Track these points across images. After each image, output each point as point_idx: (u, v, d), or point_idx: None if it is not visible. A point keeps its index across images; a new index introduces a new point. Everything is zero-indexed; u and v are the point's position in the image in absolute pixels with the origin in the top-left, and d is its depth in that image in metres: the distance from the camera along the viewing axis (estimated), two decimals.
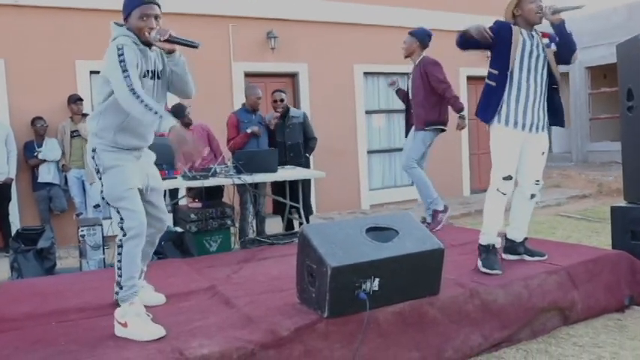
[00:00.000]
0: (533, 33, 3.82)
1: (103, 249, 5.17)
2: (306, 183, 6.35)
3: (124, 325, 2.80)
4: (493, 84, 3.80)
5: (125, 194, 2.89)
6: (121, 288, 2.87)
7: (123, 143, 2.96)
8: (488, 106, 3.82)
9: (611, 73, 13.47)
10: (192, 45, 2.93)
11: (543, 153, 3.94)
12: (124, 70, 2.71)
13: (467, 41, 3.77)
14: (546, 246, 4.25)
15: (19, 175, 7.20)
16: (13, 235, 5.63)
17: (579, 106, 14.92)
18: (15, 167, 7.03)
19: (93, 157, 2.95)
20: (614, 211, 4.44)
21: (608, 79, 14.42)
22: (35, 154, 7.16)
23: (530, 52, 3.74)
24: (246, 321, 2.92)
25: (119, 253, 2.88)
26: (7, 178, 6.92)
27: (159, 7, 2.98)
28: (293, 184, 6.08)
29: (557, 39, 3.82)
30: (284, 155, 6.33)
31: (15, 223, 7.05)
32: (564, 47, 3.81)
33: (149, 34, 2.91)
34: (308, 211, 6.45)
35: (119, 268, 2.88)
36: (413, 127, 5.62)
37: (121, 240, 2.88)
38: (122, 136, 2.94)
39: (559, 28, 3.77)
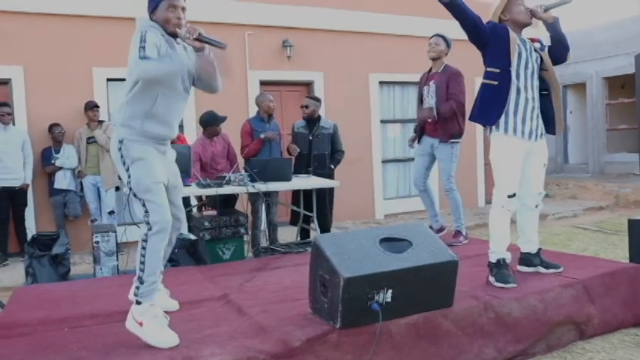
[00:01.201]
0: (524, 38, 3.77)
1: (117, 255, 5.19)
2: (329, 195, 6.28)
3: (140, 324, 2.79)
4: (495, 83, 3.68)
5: (153, 187, 2.88)
6: (142, 283, 2.85)
7: (151, 132, 2.96)
8: (491, 106, 3.70)
9: (629, 84, 13.36)
10: (219, 45, 2.96)
11: (545, 165, 3.89)
12: (142, 46, 2.77)
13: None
14: (562, 258, 4.19)
15: (36, 181, 7.26)
16: (28, 240, 5.67)
17: (596, 116, 14.78)
18: (31, 173, 7.09)
19: (120, 149, 2.92)
20: (632, 223, 4.37)
21: (626, 90, 14.27)
22: (53, 161, 7.22)
23: (526, 58, 3.69)
24: (257, 330, 2.91)
25: (143, 247, 2.86)
26: (23, 183, 6.99)
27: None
28: (311, 193, 6.04)
29: (551, 38, 3.78)
30: (307, 164, 6.32)
31: (31, 229, 7.10)
32: (559, 45, 3.78)
33: (179, 29, 2.96)
34: (327, 222, 6.41)
35: (142, 263, 2.85)
36: (427, 138, 5.44)
37: (146, 234, 2.86)
38: (150, 124, 2.94)
39: (553, 25, 3.74)
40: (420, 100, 5.53)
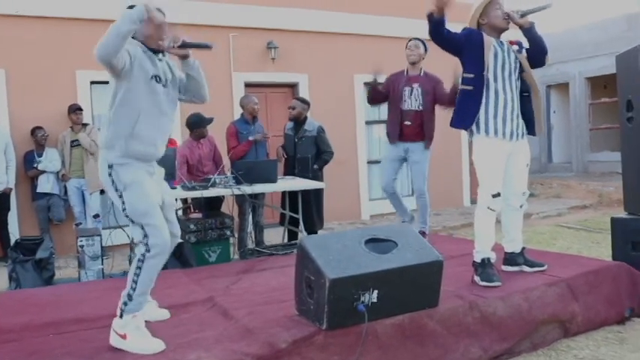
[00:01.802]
0: (502, 41, 3.81)
1: (102, 259, 5.16)
2: (315, 196, 6.29)
3: (123, 336, 2.78)
4: (470, 88, 3.75)
5: (149, 209, 2.86)
6: (130, 300, 2.83)
7: (135, 152, 2.90)
8: (467, 110, 3.77)
9: (611, 84, 13.47)
10: (205, 47, 2.95)
11: (527, 165, 3.92)
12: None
13: (436, 26, 3.65)
14: (546, 257, 4.22)
15: (19, 185, 7.19)
16: (11, 245, 5.62)
17: (579, 116, 14.93)
18: (14, 177, 7.02)
19: (110, 174, 2.89)
20: (615, 222, 4.43)
21: (608, 90, 14.43)
22: (35, 165, 7.15)
23: (503, 60, 3.73)
24: (244, 333, 2.90)
25: (138, 267, 2.84)
26: (6, 187, 6.92)
27: (163, 14, 3.01)
28: (296, 195, 6.04)
29: (528, 42, 3.82)
30: (293, 167, 6.32)
31: (14, 233, 7.03)
32: (536, 50, 3.81)
33: (162, 41, 2.93)
34: (313, 224, 6.38)
35: (134, 282, 2.84)
36: (402, 144, 5.45)
37: (143, 255, 2.83)
38: (134, 144, 2.89)
39: (529, 31, 3.78)
40: (397, 100, 5.45)
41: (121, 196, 2.87)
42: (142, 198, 2.87)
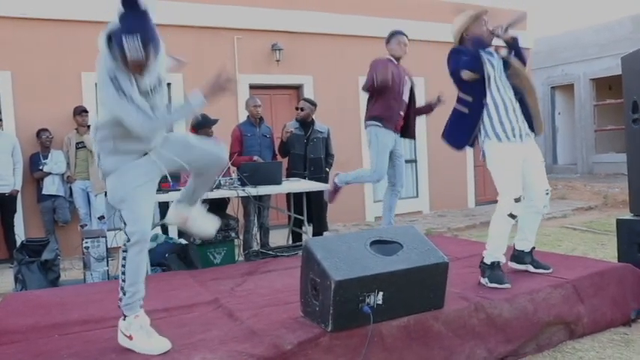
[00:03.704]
0: (489, 50, 3.84)
1: (107, 261, 5.17)
2: (323, 198, 6.28)
3: (130, 337, 2.80)
4: (465, 110, 3.80)
5: (127, 197, 2.82)
6: (124, 294, 2.84)
7: (125, 149, 2.87)
8: (457, 131, 3.86)
9: (616, 85, 13.46)
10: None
11: (542, 161, 3.93)
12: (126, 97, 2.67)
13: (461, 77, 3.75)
14: (552, 259, 4.21)
15: (24, 187, 7.21)
16: (17, 246, 5.64)
17: (584, 117, 14.90)
18: (21, 179, 7.05)
19: (98, 164, 2.91)
20: (620, 223, 4.41)
21: (613, 91, 14.40)
22: (40, 167, 7.18)
23: (498, 67, 3.78)
24: (249, 334, 2.90)
25: (124, 258, 2.84)
26: (12, 189, 6.95)
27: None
28: (301, 196, 6.04)
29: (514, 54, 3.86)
30: (304, 167, 6.32)
31: (20, 235, 7.05)
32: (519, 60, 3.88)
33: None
34: (323, 226, 6.42)
35: (123, 273, 2.84)
36: (393, 134, 5.40)
37: (125, 245, 2.84)
38: (123, 143, 2.85)
39: (513, 45, 3.82)
40: (397, 88, 5.37)
41: (105, 183, 2.92)
42: (120, 185, 2.84)
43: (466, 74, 3.69)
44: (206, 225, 3.30)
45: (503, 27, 3.74)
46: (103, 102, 2.83)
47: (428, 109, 5.64)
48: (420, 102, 5.65)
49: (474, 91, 3.75)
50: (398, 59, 5.45)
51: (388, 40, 5.50)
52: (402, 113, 5.43)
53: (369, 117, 5.39)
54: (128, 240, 2.82)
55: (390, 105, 5.33)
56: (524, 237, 4.01)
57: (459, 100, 3.84)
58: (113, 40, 2.63)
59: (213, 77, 2.85)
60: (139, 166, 2.91)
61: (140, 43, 2.58)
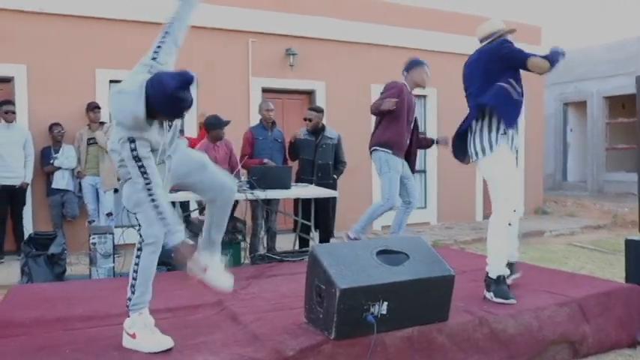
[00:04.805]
0: None
1: (114, 258, 5.19)
2: (330, 205, 6.28)
3: (133, 336, 2.81)
4: (515, 97, 3.73)
5: (141, 201, 2.82)
6: (133, 293, 2.86)
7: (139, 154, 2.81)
8: (513, 109, 3.77)
9: (629, 104, 13.41)
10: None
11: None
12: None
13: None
14: (558, 277, 4.20)
15: (35, 180, 7.25)
16: (25, 239, 5.66)
17: (596, 135, 14.82)
18: (31, 172, 7.09)
19: (119, 167, 2.92)
20: (629, 243, 4.37)
21: (626, 109, 14.33)
22: (51, 161, 7.21)
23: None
24: (251, 338, 2.90)
25: (137, 256, 2.88)
26: (22, 182, 6.98)
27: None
28: (309, 202, 6.05)
29: None
30: (312, 173, 6.33)
31: (28, 228, 7.09)
32: None
33: None
34: (330, 231, 6.41)
35: (135, 272, 2.87)
36: (400, 159, 5.35)
37: (140, 243, 2.88)
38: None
39: None
40: (405, 113, 5.33)
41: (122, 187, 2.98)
42: (135, 191, 2.84)
43: (536, 63, 3.62)
44: (223, 279, 3.26)
45: None
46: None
47: (430, 143, 5.73)
48: (431, 114, 5.63)
49: (515, 81, 3.73)
50: (413, 88, 5.38)
51: (411, 66, 5.38)
52: (408, 140, 5.41)
53: (378, 142, 5.32)
54: (143, 240, 2.85)
55: (400, 132, 5.31)
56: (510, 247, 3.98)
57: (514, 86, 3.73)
58: (152, 99, 2.63)
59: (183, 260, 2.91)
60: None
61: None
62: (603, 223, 10.77)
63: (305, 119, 6.47)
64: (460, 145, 3.93)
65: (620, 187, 13.85)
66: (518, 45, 3.75)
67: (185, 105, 2.65)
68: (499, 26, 3.87)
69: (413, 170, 5.58)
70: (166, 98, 2.60)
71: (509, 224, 3.72)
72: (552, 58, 3.59)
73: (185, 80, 2.60)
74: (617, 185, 14.11)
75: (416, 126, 5.53)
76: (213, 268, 3.19)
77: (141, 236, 2.88)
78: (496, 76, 3.69)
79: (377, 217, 5.51)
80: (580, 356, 3.56)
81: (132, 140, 2.67)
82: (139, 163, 2.69)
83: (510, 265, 3.96)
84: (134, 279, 2.87)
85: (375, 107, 5.23)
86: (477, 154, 3.81)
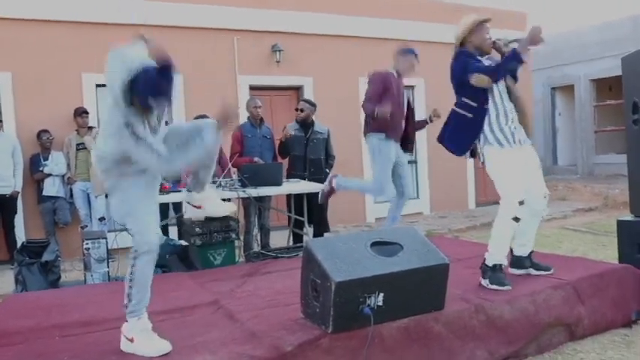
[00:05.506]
0: (494, 57, 3.88)
1: (108, 262, 5.17)
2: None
3: (131, 340, 2.80)
4: (469, 115, 3.79)
5: (130, 211, 2.85)
6: (130, 300, 2.85)
7: (128, 172, 2.86)
8: (459, 137, 3.87)
9: (616, 86, 13.44)
10: None
11: (540, 166, 3.94)
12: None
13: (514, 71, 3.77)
14: (552, 260, 4.21)
15: (25, 188, 7.21)
16: (18, 247, 5.63)
17: (584, 118, 14.88)
18: (21, 180, 7.06)
19: (104, 177, 2.92)
20: (621, 224, 4.41)
21: (613, 92, 14.39)
22: (41, 168, 7.18)
23: None
24: (249, 336, 2.90)
25: (132, 266, 2.85)
26: (13, 191, 6.95)
27: None
28: (302, 197, 6.05)
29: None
30: (303, 168, 6.32)
31: (20, 236, 7.05)
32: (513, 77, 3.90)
33: None
34: (324, 227, 6.41)
35: (131, 280, 2.85)
36: (395, 144, 5.29)
37: (136, 251, 2.85)
38: (127, 167, 2.84)
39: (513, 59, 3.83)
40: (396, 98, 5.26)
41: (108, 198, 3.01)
42: (123, 201, 2.87)
43: (479, 79, 3.67)
44: (220, 205, 3.46)
45: (506, 41, 3.79)
46: (110, 134, 2.82)
47: (424, 123, 5.73)
48: (419, 104, 5.63)
49: (478, 97, 3.75)
50: (400, 75, 5.33)
51: (399, 54, 5.33)
52: (403, 123, 5.35)
53: (371, 128, 5.25)
54: (136, 250, 2.83)
55: (392, 113, 5.20)
56: (524, 242, 4.00)
57: (462, 105, 3.83)
58: (135, 89, 2.68)
59: (219, 111, 2.99)
60: (139, 180, 2.92)
61: (165, 103, 2.78)
62: (595, 206, 10.83)
63: (296, 109, 6.45)
64: (457, 139, 3.93)
65: (610, 168, 13.92)
66: (502, 32, 3.77)
67: (164, 83, 2.66)
68: (462, 28, 3.85)
69: (411, 149, 5.58)
70: (146, 76, 2.65)
71: (515, 219, 3.69)
72: (501, 68, 3.65)
73: (164, 66, 2.64)
74: (607, 167, 14.18)
75: (411, 109, 5.48)
76: (208, 200, 3.37)
77: (134, 245, 2.83)
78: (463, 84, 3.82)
79: (362, 193, 5.52)
80: (576, 338, 3.58)
81: (128, 124, 2.72)
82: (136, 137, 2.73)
83: (525, 259, 3.99)
84: (130, 287, 2.84)
85: (370, 111, 5.14)
86: (482, 155, 3.85)
